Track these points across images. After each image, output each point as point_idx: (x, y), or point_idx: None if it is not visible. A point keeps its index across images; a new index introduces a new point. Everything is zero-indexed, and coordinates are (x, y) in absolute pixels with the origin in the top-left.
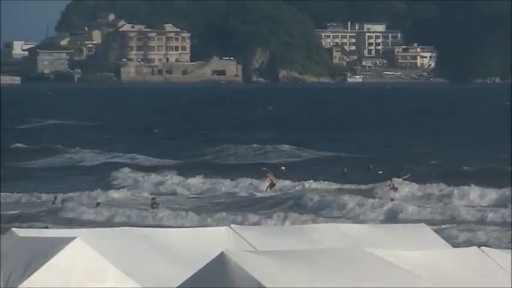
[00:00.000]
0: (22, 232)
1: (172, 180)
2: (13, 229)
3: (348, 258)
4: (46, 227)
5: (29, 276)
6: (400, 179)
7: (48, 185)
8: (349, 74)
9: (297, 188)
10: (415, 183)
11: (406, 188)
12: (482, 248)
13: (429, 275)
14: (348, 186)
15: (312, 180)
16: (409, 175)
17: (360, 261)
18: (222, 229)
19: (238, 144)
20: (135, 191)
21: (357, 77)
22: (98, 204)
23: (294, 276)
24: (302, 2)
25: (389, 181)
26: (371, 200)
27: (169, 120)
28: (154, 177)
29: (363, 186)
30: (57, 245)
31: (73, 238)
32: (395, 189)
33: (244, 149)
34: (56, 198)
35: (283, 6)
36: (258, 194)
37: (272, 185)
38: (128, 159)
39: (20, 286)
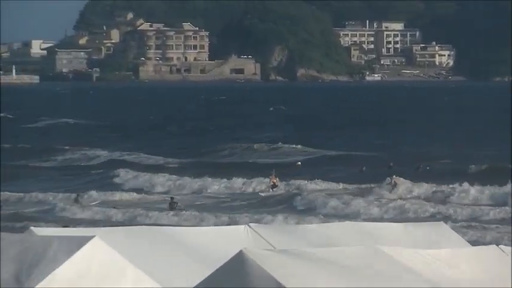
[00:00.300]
0: (40, 231)
1: (171, 179)
2: (32, 228)
3: (366, 257)
4: (66, 226)
5: (47, 275)
6: (401, 178)
7: (55, 184)
8: (367, 73)
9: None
10: (423, 182)
11: (415, 187)
12: (501, 246)
13: (448, 273)
14: (355, 185)
15: (320, 180)
16: (427, 167)
17: (378, 260)
18: (241, 227)
19: (249, 143)
20: (146, 190)
21: (376, 75)
22: (114, 207)
23: (313, 275)
24: (321, 0)
25: (389, 178)
26: (371, 199)
27: (183, 119)
28: (157, 177)
29: (365, 186)
30: (76, 243)
31: (91, 237)
32: (395, 186)
33: (252, 148)
34: (78, 195)
35: (302, 4)
36: (263, 194)
37: (274, 185)
38: (136, 159)
39: (38, 285)
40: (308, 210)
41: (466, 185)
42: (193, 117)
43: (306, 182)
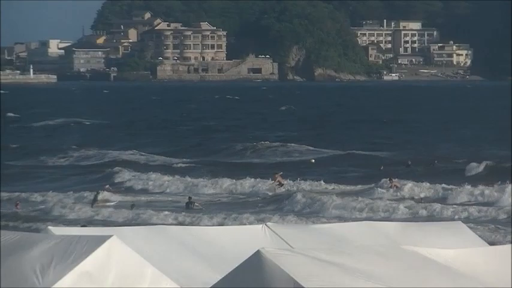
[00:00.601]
0: (58, 230)
1: (181, 179)
2: (49, 227)
3: (384, 256)
4: (84, 226)
5: (65, 274)
6: (400, 180)
7: (57, 184)
8: (385, 72)
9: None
10: (426, 183)
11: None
12: None
13: (466, 272)
14: (351, 187)
15: (326, 179)
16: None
17: (397, 259)
18: (258, 227)
19: (257, 142)
20: (154, 191)
21: (393, 74)
22: (133, 205)
23: (330, 275)
24: (338, 0)
25: (387, 179)
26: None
27: (195, 118)
28: (167, 177)
29: (361, 187)
30: (94, 243)
31: (109, 236)
32: (396, 187)
33: (258, 147)
34: (98, 193)
35: (319, 4)
36: (270, 193)
37: (280, 184)
38: (144, 158)
39: (55, 285)
40: (310, 211)
41: (467, 185)
42: (204, 116)
43: (309, 182)
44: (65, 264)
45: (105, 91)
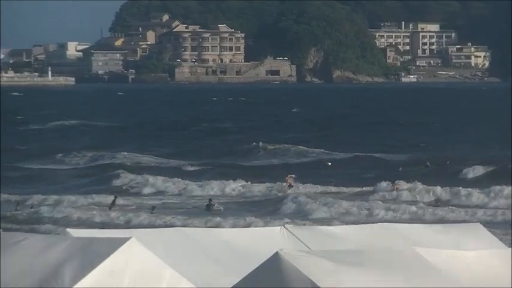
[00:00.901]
0: (76, 232)
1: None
2: (67, 229)
3: (403, 259)
4: (101, 228)
5: (84, 276)
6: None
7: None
8: (403, 74)
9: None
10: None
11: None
12: None
13: (485, 275)
14: (357, 189)
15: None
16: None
17: (415, 261)
18: (277, 229)
19: (268, 144)
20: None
21: (411, 76)
22: (154, 207)
23: (349, 277)
24: (356, 1)
25: (390, 183)
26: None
27: (208, 120)
28: (176, 179)
29: (364, 189)
30: (112, 245)
31: (128, 238)
32: (397, 190)
33: (269, 148)
34: (116, 197)
35: (336, 5)
36: (280, 194)
37: (290, 186)
38: (152, 161)
39: (75, 286)
40: (307, 214)
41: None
42: (216, 118)
43: (310, 185)
44: (83, 266)
45: (120, 93)
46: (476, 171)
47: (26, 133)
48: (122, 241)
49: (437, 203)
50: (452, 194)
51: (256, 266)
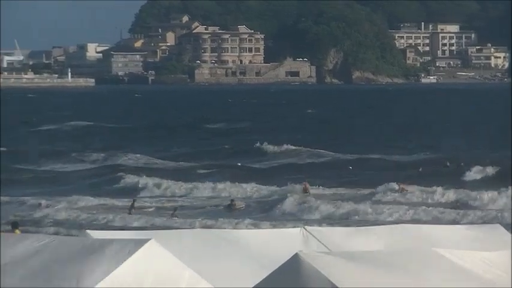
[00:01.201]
0: (96, 234)
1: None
2: (87, 231)
3: (422, 259)
4: (122, 229)
5: (106, 276)
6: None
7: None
8: (422, 75)
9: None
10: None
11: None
12: None
13: (506, 276)
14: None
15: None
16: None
17: (435, 262)
18: (296, 230)
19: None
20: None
21: (431, 77)
22: (176, 209)
23: (369, 278)
24: (375, 2)
25: (396, 184)
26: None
27: (219, 120)
28: (182, 180)
29: (378, 189)
30: (133, 246)
31: (147, 240)
32: (403, 191)
33: (280, 150)
34: (134, 201)
35: (356, 6)
36: (292, 199)
37: (305, 190)
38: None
39: (95, 287)
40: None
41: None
42: (228, 118)
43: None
44: (103, 267)
45: (137, 95)
46: (489, 171)
47: (39, 134)
48: (142, 242)
49: (457, 203)
50: (466, 195)
51: (276, 267)
